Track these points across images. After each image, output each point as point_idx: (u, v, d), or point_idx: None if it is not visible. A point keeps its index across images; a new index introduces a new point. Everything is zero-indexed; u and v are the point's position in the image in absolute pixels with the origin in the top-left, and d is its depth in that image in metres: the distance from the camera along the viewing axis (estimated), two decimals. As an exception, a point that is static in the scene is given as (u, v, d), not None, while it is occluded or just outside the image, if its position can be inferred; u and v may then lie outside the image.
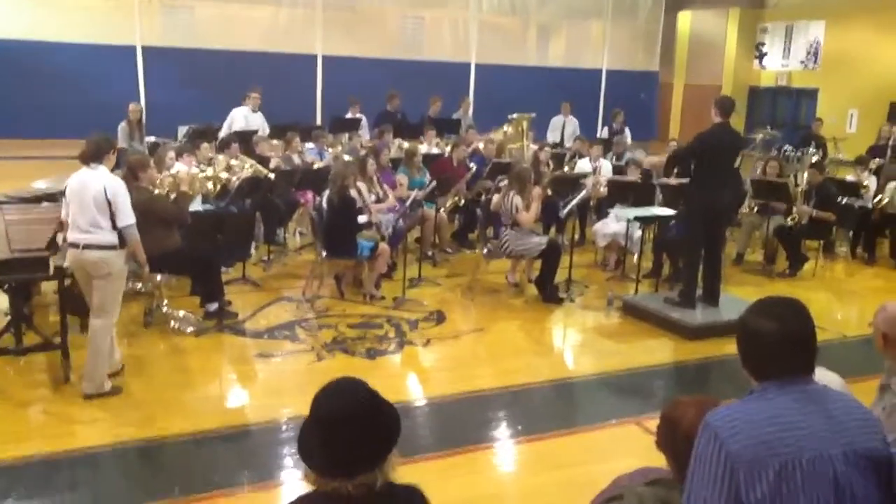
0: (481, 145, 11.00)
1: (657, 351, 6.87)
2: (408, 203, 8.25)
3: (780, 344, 2.13)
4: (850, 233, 10.59)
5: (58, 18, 15.93)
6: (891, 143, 12.05)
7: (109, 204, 5.22)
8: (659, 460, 2.63)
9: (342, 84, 16.20)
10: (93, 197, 5.22)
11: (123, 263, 5.45)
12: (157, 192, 6.65)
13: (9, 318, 5.92)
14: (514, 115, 12.33)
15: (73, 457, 4.66)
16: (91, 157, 5.32)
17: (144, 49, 16.48)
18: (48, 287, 6.88)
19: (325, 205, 7.77)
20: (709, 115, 7.23)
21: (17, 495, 4.21)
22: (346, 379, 2.27)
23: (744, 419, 2.07)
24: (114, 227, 5.28)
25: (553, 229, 9.98)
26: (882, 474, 2.14)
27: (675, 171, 9.26)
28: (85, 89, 15.48)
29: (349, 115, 13.05)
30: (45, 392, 5.48)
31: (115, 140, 5.85)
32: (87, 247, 5.25)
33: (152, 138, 11.39)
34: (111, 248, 5.30)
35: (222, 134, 11.20)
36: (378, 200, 8.58)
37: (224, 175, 8.37)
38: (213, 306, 6.87)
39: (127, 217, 5.30)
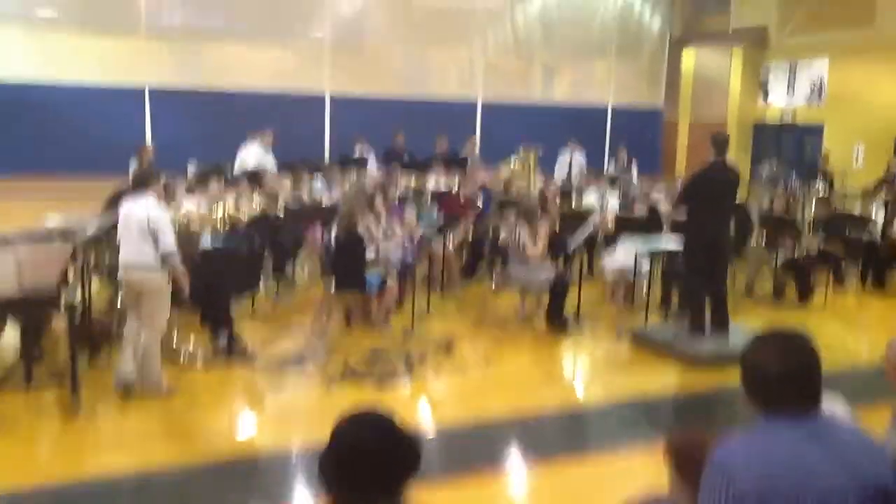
0: (487, 179, 11.06)
1: (667, 381, 6.85)
2: (416, 241, 8.28)
3: (783, 379, 2.11)
4: (859, 265, 10.57)
5: (67, 60, 16.20)
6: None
7: (154, 232, 5.70)
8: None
9: (350, 123, 16.36)
10: (138, 225, 5.75)
11: (166, 283, 5.82)
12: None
13: (19, 353, 5.95)
14: (521, 152, 12.43)
15: (82, 488, 4.66)
16: (137, 187, 5.97)
17: (152, 91, 16.70)
18: (59, 320, 6.91)
19: (333, 240, 7.81)
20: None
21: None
22: (369, 409, 2.26)
23: (752, 454, 2.06)
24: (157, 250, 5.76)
25: (561, 262, 9.98)
26: None
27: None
28: (94, 129, 15.69)
29: (357, 154, 13.17)
30: (55, 425, 5.49)
31: (156, 170, 6.22)
32: (136, 268, 5.80)
33: (163, 176, 11.47)
34: (155, 270, 5.78)
35: (236, 171, 11.31)
36: (386, 236, 8.60)
37: (233, 213, 8.45)
38: (223, 339, 6.89)
39: (170, 244, 5.74)
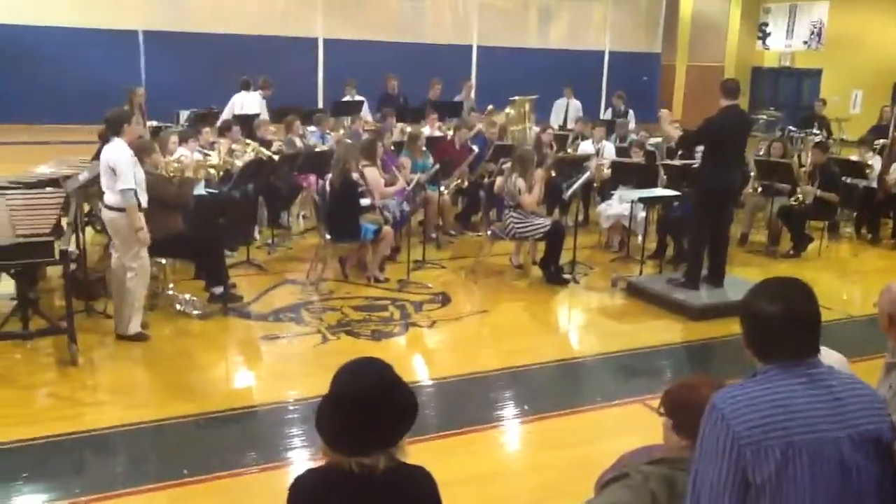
0: (483, 127, 10.98)
1: (661, 331, 6.87)
2: (411, 186, 8.24)
3: (786, 326, 2.12)
4: (854, 213, 10.56)
5: (59, 3, 15.91)
6: (894, 123, 11.99)
7: (113, 170, 5.84)
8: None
9: (343, 67, 16.17)
10: (103, 166, 5.96)
11: (131, 223, 5.90)
12: (161, 175, 6.69)
13: (15, 302, 5.94)
14: (517, 98, 12.30)
15: (81, 439, 4.69)
16: (107, 132, 6.08)
17: (146, 33, 16.44)
18: (54, 271, 6.91)
19: (327, 188, 7.77)
20: (712, 95, 7.21)
21: (25, 477, 4.23)
22: (368, 359, 2.29)
23: (750, 401, 2.07)
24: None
25: (557, 211, 9.97)
26: (887, 457, 2.15)
27: (680, 153, 9.28)
28: (86, 74, 15.49)
29: (346, 98, 13.04)
30: (53, 375, 5.51)
31: (127, 112, 6.25)
32: (105, 207, 6.01)
33: (154, 122, 11.38)
34: (119, 210, 5.91)
35: (223, 118, 11.19)
36: (387, 184, 8.55)
37: (227, 159, 8.38)
38: (218, 289, 6.89)
39: (124, 182, 5.83)
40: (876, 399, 2.27)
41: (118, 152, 5.91)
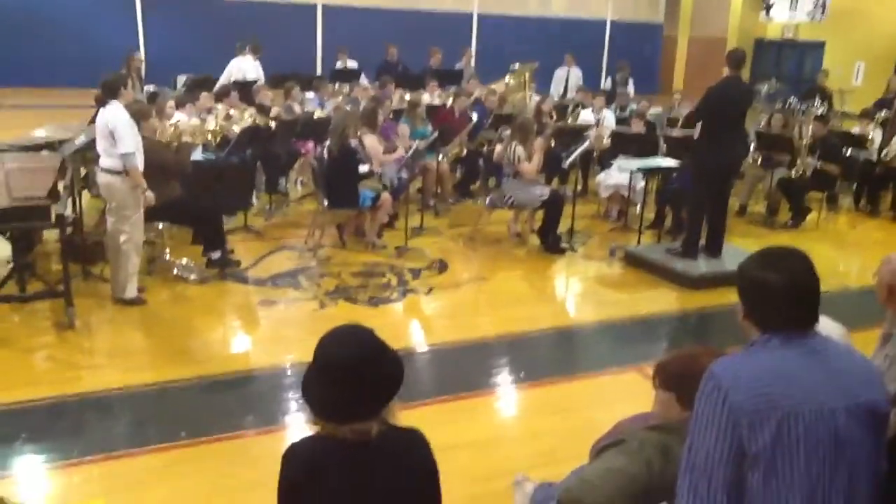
0: (482, 94, 10.92)
1: (659, 300, 6.89)
2: (409, 153, 8.21)
3: (787, 296, 2.11)
4: (854, 185, 10.54)
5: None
6: (896, 95, 11.94)
7: (111, 134, 5.80)
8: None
9: (342, 34, 16.04)
10: (100, 129, 5.89)
11: (128, 186, 5.91)
12: (158, 140, 6.65)
13: (12, 265, 5.93)
14: (517, 66, 12.22)
15: (79, 401, 4.71)
16: (104, 95, 6.02)
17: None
18: (50, 235, 6.90)
19: (325, 154, 7.73)
20: (713, 67, 7.16)
21: (24, 439, 4.25)
22: (351, 326, 2.27)
23: (747, 370, 2.07)
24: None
25: (556, 180, 9.94)
26: (882, 428, 2.15)
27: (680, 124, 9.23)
28: (84, 38, 15.35)
29: (339, 64, 12.94)
30: (50, 339, 5.51)
31: (124, 75, 6.19)
32: (102, 170, 5.97)
33: (151, 87, 11.29)
34: (116, 173, 5.89)
35: (223, 81, 11.11)
36: (386, 151, 8.51)
37: (223, 124, 8.33)
38: (216, 255, 6.87)
39: (125, 146, 5.82)
40: (872, 370, 2.27)
41: (116, 115, 5.87)
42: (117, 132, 5.81)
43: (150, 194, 6.02)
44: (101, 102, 6.02)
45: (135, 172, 5.90)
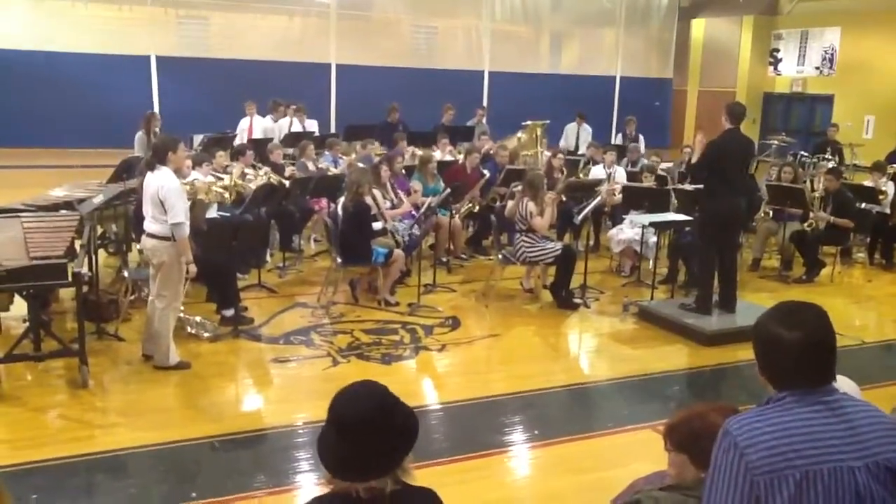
0: (492, 149, 11.02)
1: (672, 357, 6.84)
2: (422, 210, 8.27)
3: (803, 353, 2.07)
4: (868, 239, 10.51)
5: (73, 29, 16.10)
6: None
7: (162, 202, 5.75)
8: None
9: (356, 92, 16.28)
10: (150, 196, 5.83)
11: (175, 254, 5.86)
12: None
13: (27, 324, 5.97)
14: (528, 122, 12.35)
15: (92, 461, 4.69)
16: (154, 159, 5.93)
17: (159, 59, 16.60)
18: (66, 294, 6.95)
19: (339, 212, 7.80)
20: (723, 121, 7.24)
21: (36, 499, 4.23)
22: (365, 382, 2.26)
23: (764, 428, 2.03)
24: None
25: (568, 235, 9.97)
26: None
27: (688, 180, 9.26)
28: (99, 99, 15.64)
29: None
30: (64, 398, 5.52)
31: (176, 139, 6.17)
32: (148, 235, 5.91)
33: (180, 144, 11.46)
34: (163, 238, 5.82)
35: (237, 141, 11.28)
36: (393, 207, 8.60)
37: (238, 182, 8.44)
38: (229, 312, 6.91)
39: (176, 216, 5.77)
40: (893, 426, 2.23)
41: (167, 182, 5.80)
42: (168, 202, 5.74)
43: (193, 267, 5.97)
44: (150, 167, 5.92)
45: (182, 243, 5.84)
